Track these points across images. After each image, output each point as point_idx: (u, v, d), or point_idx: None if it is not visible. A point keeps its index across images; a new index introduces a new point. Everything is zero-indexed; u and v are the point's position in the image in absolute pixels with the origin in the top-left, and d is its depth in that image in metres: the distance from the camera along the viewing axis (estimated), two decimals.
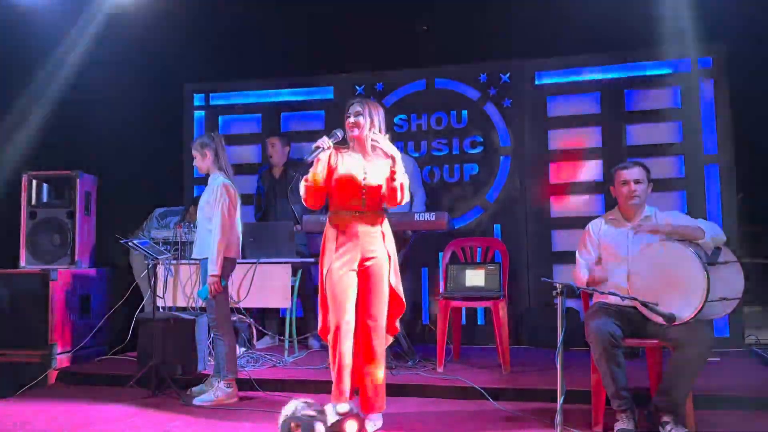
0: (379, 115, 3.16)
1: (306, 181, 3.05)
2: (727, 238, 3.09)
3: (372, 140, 3.07)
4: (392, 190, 3.03)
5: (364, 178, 3.07)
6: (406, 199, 3.07)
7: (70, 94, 5.39)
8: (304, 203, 3.11)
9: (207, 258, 3.65)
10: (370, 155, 3.12)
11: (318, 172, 3.03)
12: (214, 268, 3.58)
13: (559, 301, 2.50)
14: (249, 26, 5.67)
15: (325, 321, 3.08)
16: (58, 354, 4.55)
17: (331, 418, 2.37)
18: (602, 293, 2.80)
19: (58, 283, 4.61)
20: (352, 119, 3.11)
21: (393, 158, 3.02)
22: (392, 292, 3.13)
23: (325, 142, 3.02)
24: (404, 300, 3.18)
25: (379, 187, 3.06)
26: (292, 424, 2.38)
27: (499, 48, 5.50)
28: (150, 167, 5.61)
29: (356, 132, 3.10)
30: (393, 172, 3.01)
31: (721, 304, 2.92)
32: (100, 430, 3.14)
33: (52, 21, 5.19)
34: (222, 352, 3.67)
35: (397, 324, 3.22)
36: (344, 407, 2.48)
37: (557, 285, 2.51)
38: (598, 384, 3.05)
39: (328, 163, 3.08)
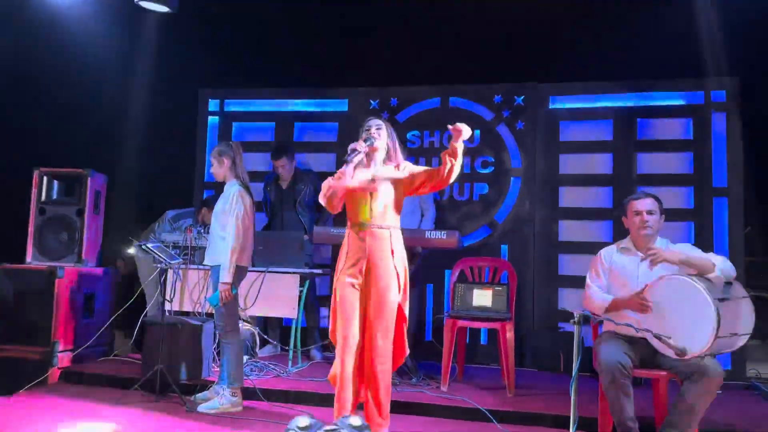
0: (394, 136, 3.22)
1: (332, 179, 3.05)
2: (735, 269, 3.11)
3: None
4: (443, 163, 2.98)
5: (373, 185, 3.08)
6: (452, 179, 3.03)
7: (86, 95, 5.42)
8: (321, 201, 3.10)
9: (219, 265, 3.66)
10: (379, 167, 3.15)
11: (348, 180, 3.03)
12: (226, 276, 3.59)
13: (575, 330, 2.50)
14: (267, 36, 5.73)
15: (334, 327, 3.12)
16: (60, 352, 4.53)
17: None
18: (618, 324, 2.82)
19: (64, 280, 4.60)
20: (374, 130, 3.14)
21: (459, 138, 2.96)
22: (399, 309, 3.12)
23: (361, 145, 3.05)
24: (407, 316, 3.17)
25: (387, 196, 3.08)
26: None
27: (514, 70, 5.55)
28: (161, 170, 5.64)
29: (377, 143, 3.13)
30: (454, 148, 2.96)
31: (731, 339, 2.94)
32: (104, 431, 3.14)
33: (72, 22, 5.23)
34: (229, 360, 3.68)
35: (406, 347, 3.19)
36: (357, 420, 2.48)
37: (575, 314, 2.52)
38: (606, 411, 3.06)
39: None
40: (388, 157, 3.18)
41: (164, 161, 5.70)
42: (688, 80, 5.23)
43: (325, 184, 3.06)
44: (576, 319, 2.50)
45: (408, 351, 3.21)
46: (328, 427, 2.35)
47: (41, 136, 5.29)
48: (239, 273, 3.73)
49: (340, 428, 2.34)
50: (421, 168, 3.16)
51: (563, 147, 5.45)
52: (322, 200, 3.10)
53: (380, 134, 3.14)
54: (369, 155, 3.15)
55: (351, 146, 3.05)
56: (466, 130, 2.97)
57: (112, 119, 5.42)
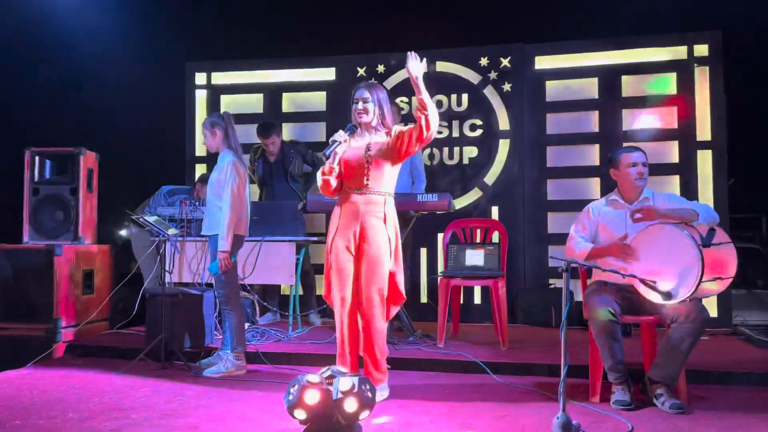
0: (385, 100, 3.26)
1: (323, 174, 3.16)
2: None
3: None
4: (417, 120, 3.06)
5: (368, 152, 3.16)
6: (432, 130, 3.07)
7: (72, 72, 5.40)
8: (322, 193, 3.24)
9: (217, 234, 3.73)
10: (375, 136, 3.21)
11: (334, 167, 3.14)
12: (224, 244, 3.67)
13: (564, 277, 2.60)
14: (251, 6, 5.71)
15: (329, 290, 3.24)
16: (63, 328, 4.62)
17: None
18: (604, 270, 2.92)
19: (62, 258, 4.66)
20: (360, 105, 3.19)
21: (416, 83, 3.02)
22: (391, 279, 3.19)
23: (341, 135, 3.12)
24: (404, 293, 3.26)
25: (381, 162, 3.15)
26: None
27: (499, 32, 5.60)
28: (151, 145, 5.66)
29: (365, 118, 3.20)
30: (420, 101, 3.02)
31: (715, 283, 3.05)
32: (113, 397, 3.23)
33: (58, 2, 5.19)
34: (231, 326, 3.77)
35: (392, 311, 3.29)
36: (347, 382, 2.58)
37: (563, 261, 2.62)
38: (596, 358, 3.18)
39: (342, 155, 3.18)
40: (381, 124, 3.24)
41: (154, 137, 5.72)
42: (671, 35, 5.28)
43: (319, 176, 3.18)
44: (564, 267, 2.60)
45: (404, 297, 3.29)
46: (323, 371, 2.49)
47: (30, 116, 5.28)
48: (237, 242, 3.81)
49: (332, 371, 2.48)
50: (405, 128, 3.20)
51: (550, 107, 5.52)
52: (320, 191, 3.21)
53: (367, 108, 3.19)
54: (360, 126, 3.22)
55: (333, 137, 3.12)
56: (414, 68, 3.02)
57: (101, 97, 5.41)
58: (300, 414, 2.51)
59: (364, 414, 2.48)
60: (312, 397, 2.48)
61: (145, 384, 3.52)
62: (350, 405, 2.46)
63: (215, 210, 3.78)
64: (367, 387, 2.50)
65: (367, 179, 3.17)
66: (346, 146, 3.17)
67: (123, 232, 5.92)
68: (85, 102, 5.39)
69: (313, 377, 2.51)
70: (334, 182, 3.20)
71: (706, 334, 4.60)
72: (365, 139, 3.22)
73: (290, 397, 2.49)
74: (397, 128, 3.25)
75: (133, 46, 5.51)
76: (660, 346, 3.12)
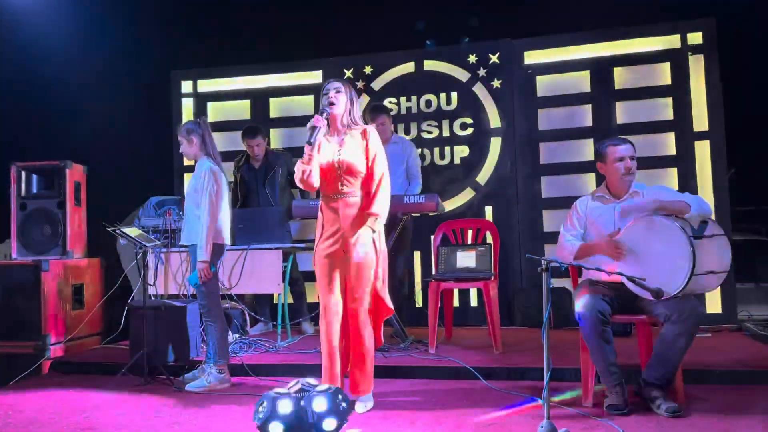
0: (355, 95, 3.16)
1: (303, 164, 2.99)
2: (719, 214, 3.08)
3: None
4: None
5: (339, 156, 3.04)
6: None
7: (57, 83, 5.36)
8: (300, 185, 3.07)
9: (196, 244, 3.64)
10: (344, 133, 3.10)
11: (313, 154, 2.97)
12: (203, 254, 3.57)
13: (544, 277, 2.48)
14: (236, 11, 5.64)
15: None
16: (52, 344, 4.55)
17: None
18: (588, 269, 2.79)
19: (49, 273, 4.60)
20: (332, 94, 3.07)
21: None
22: (375, 292, 3.08)
23: (320, 120, 2.98)
24: (391, 307, 3.15)
25: (354, 164, 3.03)
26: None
27: (487, 28, 5.47)
28: (138, 156, 5.59)
29: (335, 109, 3.06)
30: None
31: (708, 277, 2.92)
32: (89, 416, 3.14)
33: (38, 7, 5.14)
34: (213, 338, 3.67)
35: (382, 337, 3.19)
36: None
37: (543, 261, 2.49)
38: (587, 360, 3.05)
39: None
40: (351, 120, 3.12)
41: (142, 147, 5.65)
42: (664, 24, 5.15)
43: (298, 168, 3.02)
44: (544, 266, 2.48)
45: (393, 310, 3.19)
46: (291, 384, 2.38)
47: (14, 130, 5.23)
48: (217, 251, 3.71)
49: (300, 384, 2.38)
50: (377, 170, 3.05)
51: (541, 102, 5.39)
52: (298, 184, 3.05)
53: (338, 98, 3.07)
54: (330, 122, 3.09)
55: (309, 124, 2.97)
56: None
57: (86, 109, 5.36)
58: (276, 427, 2.41)
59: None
60: (285, 406, 2.39)
61: (126, 401, 3.43)
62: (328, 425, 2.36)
63: (194, 219, 3.69)
64: (341, 399, 2.39)
65: (341, 184, 3.06)
66: (323, 134, 3.02)
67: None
68: (70, 114, 5.33)
69: (281, 390, 2.41)
70: (316, 172, 3.02)
71: (709, 331, 4.46)
72: (335, 140, 3.10)
73: (260, 415, 2.38)
74: (374, 140, 3.08)
75: (119, 55, 5.46)
76: (654, 346, 2.98)
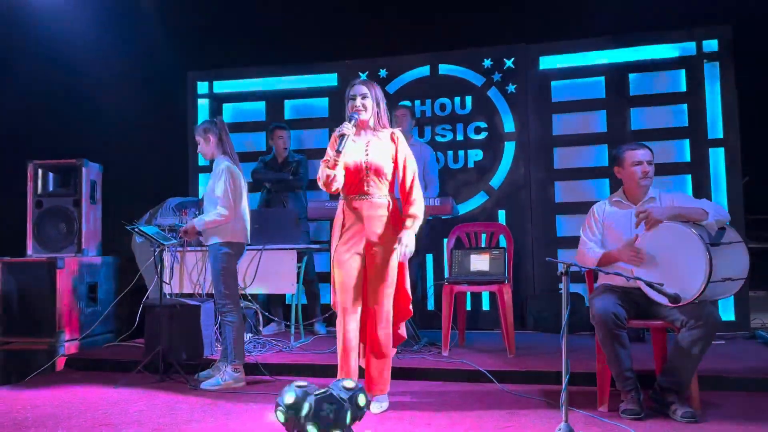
0: (382, 98, 3.15)
1: (328, 168, 2.97)
2: (733, 222, 3.08)
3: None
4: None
5: (366, 157, 3.05)
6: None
7: (74, 83, 5.41)
8: (323, 188, 3.07)
9: (216, 243, 3.67)
10: (371, 134, 3.11)
11: (339, 160, 2.97)
12: (197, 223, 3.64)
13: (564, 280, 2.49)
14: (252, 13, 5.68)
15: (335, 299, 3.12)
16: (66, 341, 4.59)
17: (342, 393, 2.37)
18: (607, 273, 2.80)
19: (64, 271, 4.64)
20: (359, 101, 3.07)
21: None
22: (400, 280, 3.10)
23: (347, 128, 2.96)
24: (411, 308, 3.19)
25: (381, 166, 3.05)
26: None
27: (502, 33, 5.49)
28: (154, 156, 5.63)
29: (363, 115, 3.07)
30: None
31: (725, 284, 2.91)
32: (107, 412, 3.17)
33: (57, 7, 5.19)
34: (230, 337, 3.69)
35: (402, 331, 3.22)
36: (350, 382, 2.48)
37: (562, 265, 2.50)
38: (603, 365, 3.05)
39: None
40: (378, 123, 3.14)
41: (158, 147, 5.69)
42: (679, 31, 5.15)
43: (322, 171, 3.01)
44: (563, 270, 2.49)
45: (412, 312, 3.22)
46: (319, 391, 2.34)
47: (32, 128, 5.29)
48: (237, 249, 3.74)
49: (331, 389, 2.34)
50: (408, 173, 3.09)
51: (556, 107, 5.40)
52: (320, 185, 3.05)
53: (366, 104, 3.07)
54: (358, 126, 3.10)
55: (336, 132, 2.95)
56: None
57: (103, 108, 5.41)
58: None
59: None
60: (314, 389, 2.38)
61: (141, 398, 3.45)
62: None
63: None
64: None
65: (367, 185, 3.07)
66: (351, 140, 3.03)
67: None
68: (87, 112, 5.39)
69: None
70: (340, 177, 3.02)
71: (723, 338, 4.45)
72: (362, 141, 3.11)
73: (287, 400, 2.36)
74: (402, 145, 3.11)
75: (135, 55, 5.51)
76: (670, 351, 2.98)
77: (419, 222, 3.08)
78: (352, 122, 3.00)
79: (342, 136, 2.95)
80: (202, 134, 3.78)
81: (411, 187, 3.08)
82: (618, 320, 2.91)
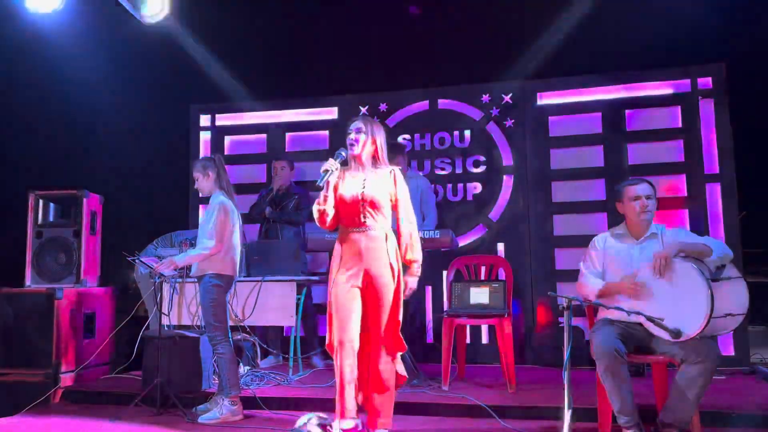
0: (380, 134, 3.19)
1: (318, 204, 3.07)
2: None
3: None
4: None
5: (363, 189, 3.08)
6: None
7: (76, 114, 5.46)
8: (318, 225, 3.14)
9: (206, 275, 3.68)
10: (368, 171, 3.15)
11: (328, 195, 3.06)
12: (177, 259, 3.67)
13: (565, 315, 2.50)
14: (254, 47, 5.78)
15: (332, 336, 3.08)
16: (63, 373, 4.54)
17: None
18: (608, 308, 2.81)
19: (63, 301, 4.61)
20: (353, 135, 3.13)
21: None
22: (395, 306, 3.10)
23: (332, 164, 3.03)
24: (404, 341, 3.16)
25: (378, 199, 3.08)
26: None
27: (500, 69, 5.58)
28: (156, 188, 5.67)
29: (354, 150, 3.12)
30: None
31: (726, 319, 2.92)
32: None
33: (60, 38, 5.27)
34: (223, 369, 3.67)
35: (401, 370, 3.19)
36: (349, 423, 2.47)
37: (564, 299, 2.51)
38: (604, 400, 3.04)
39: (335, 184, 3.12)
40: (376, 158, 3.18)
41: (159, 179, 5.74)
42: (674, 69, 5.25)
43: (315, 209, 3.09)
44: (566, 304, 2.50)
45: (406, 346, 3.20)
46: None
47: (34, 158, 5.32)
48: (226, 281, 3.75)
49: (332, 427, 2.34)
50: (402, 209, 3.16)
51: (553, 142, 5.47)
52: (317, 224, 3.12)
53: (359, 138, 3.12)
54: (355, 160, 3.15)
55: (322, 167, 3.04)
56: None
57: (105, 139, 5.46)
58: None
59: None
60: None
61: None
62: None
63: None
64: None
65: (364, 217, 3.09)
66: (337, 176, 3.09)
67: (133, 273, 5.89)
68: (89, 144, 5.44)
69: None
70: (330, 211, 3.08)
71: (723, 374, 4.43)
72: (360, 176, 3.16)
73: None
74: (399, 181, 3.16)
75: (138, 88, 5.58)
76: (671, 387, 2.97)
77: (420, 262, 3.15)
78: (338, 159, 3.06)
79: (325, 171, 3.01)
80: (201, 170, 3.83)
81: (410, 233, 3.14)
82: (618, 355, 2.90)
